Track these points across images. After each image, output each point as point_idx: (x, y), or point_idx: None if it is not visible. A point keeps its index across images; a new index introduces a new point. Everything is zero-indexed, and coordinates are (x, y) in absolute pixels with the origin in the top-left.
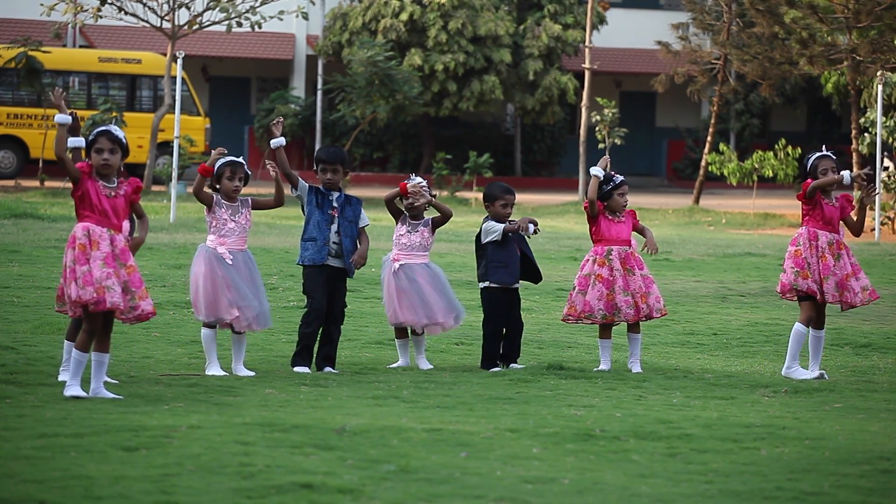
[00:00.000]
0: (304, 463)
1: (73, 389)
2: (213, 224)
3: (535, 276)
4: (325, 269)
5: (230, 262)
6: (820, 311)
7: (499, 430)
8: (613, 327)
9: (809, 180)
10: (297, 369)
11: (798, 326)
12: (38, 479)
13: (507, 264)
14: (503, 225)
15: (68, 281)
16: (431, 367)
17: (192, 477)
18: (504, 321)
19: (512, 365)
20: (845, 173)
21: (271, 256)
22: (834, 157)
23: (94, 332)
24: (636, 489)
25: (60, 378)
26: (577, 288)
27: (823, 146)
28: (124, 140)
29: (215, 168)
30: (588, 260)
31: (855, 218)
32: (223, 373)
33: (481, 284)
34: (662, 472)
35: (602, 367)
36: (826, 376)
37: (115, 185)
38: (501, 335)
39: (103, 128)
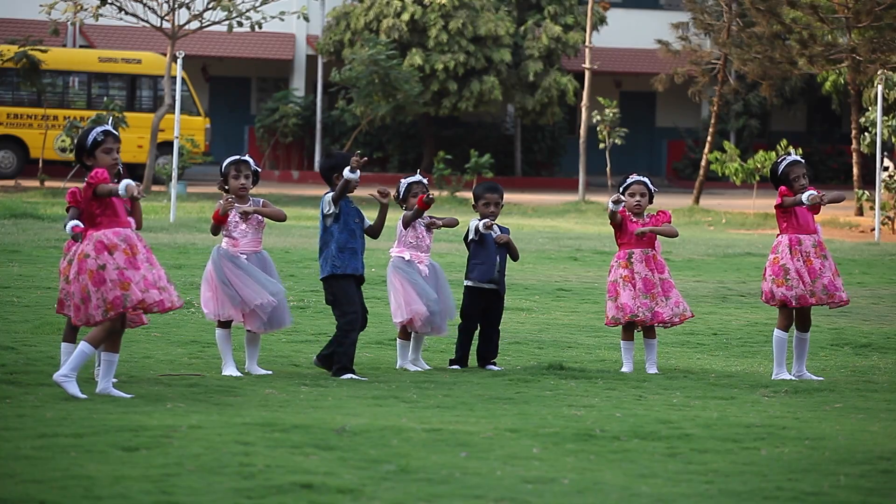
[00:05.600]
0: (304, 463)
1: (71, 387)
2: (226, 227)
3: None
4: (357, 278)
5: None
6: (803, 315)
7: (499, 430)
8: (636, 330)
9: (784, 188)
10: (346, 377)
11: (777, 333)
12: (38, 479)
13: (483, 262)
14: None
15: (113, 284)
16: (430, 367)
17: (192, 477)
18: (476, 321)
19: (489, 366)
20: (803, 196)
21: (271, 256)
22: (804, 162)
23: (115, 331)
24: (636, 489)
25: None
26: (608, 295)
27: (790, 149)
28: None
29: (225, 175)
30: (612, 266)
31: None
32: (239, 373)
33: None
34: (662, 472)
35: (624, 369)
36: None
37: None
38: (471, 334)
39: (107, 127)
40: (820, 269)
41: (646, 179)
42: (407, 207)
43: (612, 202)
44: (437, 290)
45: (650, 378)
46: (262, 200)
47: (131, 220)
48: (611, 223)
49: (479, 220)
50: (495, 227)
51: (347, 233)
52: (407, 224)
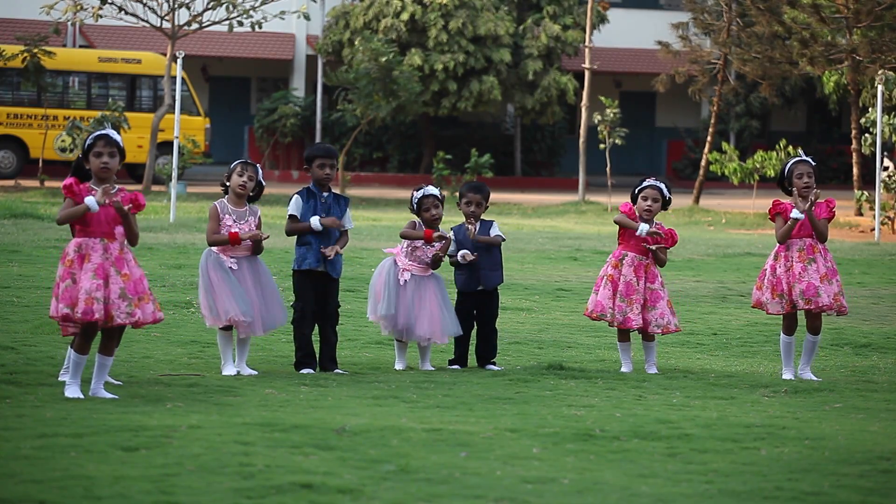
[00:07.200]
0: (304, 463)
1: (72, 391)
2: (219, 231)
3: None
4: (317, 273)
5: (234, 268)
6: (811, 318)
7: (499, 430)
8: (631, 332)
9: (777, 201)
10: (303, 371)
11: (781, 336)
12: (38, 479)
13: (463, 273)
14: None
15: (52, 293)
16: (433, 369)
17: (192, 477)
18: (469, 320)
19: (488, 365)
20: (794, 212)
21: (271, 256)
22: (812, 162)
23: (89, 336)
24: (636, 489)
25: (60, 379)
26: (594, 288)
27: (800, 150)
28: (121, 143)
29: (230, 172)
30: (607, 261)
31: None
32: (236, 371)
33: None
34: (662, 472)
35: (624, 369)
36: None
37: (114, 191)
38: (466, 333)
39: (101, 131)
40: (801, 272)
41: (662, 186)
42: (423, 218)
43: (643, 228)
44: (414, 299)
45: (650, 378)
46: (258, 209)
47: (119, 229)
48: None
49: (459, 253)
50: (471, 228)
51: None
52: (404, 237)
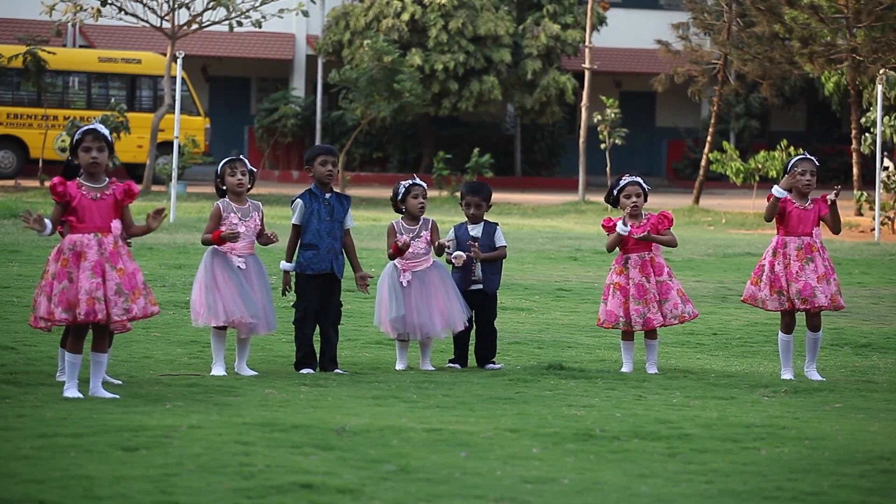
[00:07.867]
0: (304, 463)
1: (71, 391)
2: (224, 229)
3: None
4: (322, 274)
5: (242, 267)
6: (809, 316)
7: (499, 430)
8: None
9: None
10: (303, 371)
11: (780, 335)
12: (38, 479)
13: (456, 270)
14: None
15: (43, 292)
16: (433, 368)
17: (192, 477)
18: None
19: (488, 365)
20: (775, 188)
21: (270, 256)
22: (814, 160)
23: (81, 335)
24: (636, 489)
25: (59, 379)
26: (602, 297)
27: (801, 150)
28: (110, 137)
29: (221, 175)
30: (611, 269)
31: (829, 216)
32: (225, 374)
33: None
34: (662, 472)
35: (624, 369)
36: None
37: (104, 184)
38: (465, 332)
39: (88, 126)
40: (798, 272)
41: (639, 179)
42: (405, 209)
43: (622, 224)
44: (420, 297)
45: (650, 378)
46: (260, 204)
47: (116, 223)
48: (609, 251)
49: (452, 253)
50: (460, 254)
51: (311, 233)
52: (391, 259)
